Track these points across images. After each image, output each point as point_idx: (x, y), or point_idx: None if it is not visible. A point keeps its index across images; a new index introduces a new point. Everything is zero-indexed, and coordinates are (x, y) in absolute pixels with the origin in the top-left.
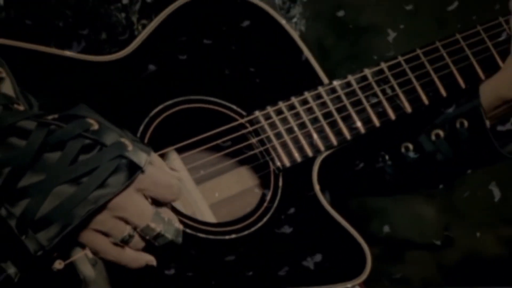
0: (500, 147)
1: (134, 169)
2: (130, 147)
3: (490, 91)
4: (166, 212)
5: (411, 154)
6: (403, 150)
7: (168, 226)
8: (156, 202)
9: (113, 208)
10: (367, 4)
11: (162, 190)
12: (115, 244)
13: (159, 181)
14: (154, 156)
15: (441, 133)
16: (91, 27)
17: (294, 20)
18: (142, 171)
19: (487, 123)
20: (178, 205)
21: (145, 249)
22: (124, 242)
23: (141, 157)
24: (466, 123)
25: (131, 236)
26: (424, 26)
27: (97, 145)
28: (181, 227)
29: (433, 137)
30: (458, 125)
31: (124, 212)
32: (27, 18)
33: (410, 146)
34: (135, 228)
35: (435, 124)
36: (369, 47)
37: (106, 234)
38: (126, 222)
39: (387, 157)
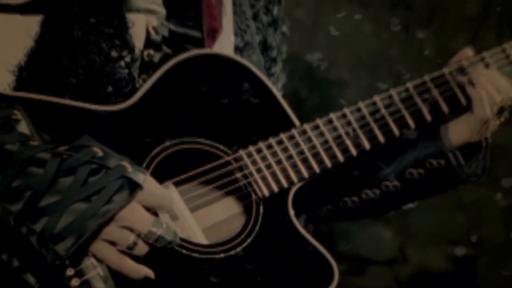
0: (463, 175)
1: (134, 186)
2: (130, 168)
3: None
4: (163, 219)
5: (375, 197)
6: (383, 188)
7: (167, 230)
8: (154, 212)
9: (119, 219)
10: (335, 62)
11: (158, 199)
12: (122, 251)
13: (155, 193)
14: (149, 176)
15: (414, 171)
16: (99, 82)
17: (275, 76)
18: (141, 188)
19: (453, 160)
20: (176, 229)
21: (146, 261)
22: (130, 249)
23: (139, 176)
24: (435, 162)
25: (135, 243)
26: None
27: (102, 169)
28: (177, 229)
29: (407, 175)
30: (428, 164)
31: (128, 222)
32: (45, 76)
33: (390, 184)
34: (138, 235)
35: (406, 165)
36: (336, 97)
37: (113, 243)
38: (131, 230)
39: (371, 191)
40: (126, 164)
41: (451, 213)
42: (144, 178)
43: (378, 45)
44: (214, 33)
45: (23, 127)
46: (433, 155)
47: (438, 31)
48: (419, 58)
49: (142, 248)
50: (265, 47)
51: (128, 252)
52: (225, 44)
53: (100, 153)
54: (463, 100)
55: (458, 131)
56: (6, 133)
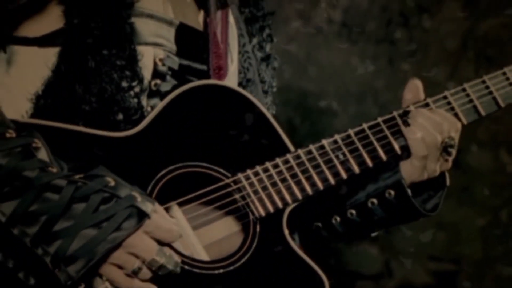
0: (420, 208)
1: (142, 216)
2: (139, 198)
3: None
4: (167, 249)
5: (356, 218)
6: (348, 215)
7: (169, 259)
8: (160, 242)
9: (126, 246)
10: (325, 92)
11: (164, 233)
12: (128, 275)
13: (161, 226)
14: (158, 206)
15: (375, 201)
16: (110, 110)
17: (266, 107)
18: (149, 217)
19: (409, 191)
20: (179, 246)
21: (152, 280)
22: (135, 273)
23: (147, 206)
24: (393, 193)
25: (140, 268)
26: (368, 110)
27: (113, 198)
28: (179, 260)
29: (370, 204)
30: (387, 194)
31: (134, 248)
32: (61, 104)
33: (354, 212)
34: (143, 262)
35: (370, 195)
36: (327, 125)
37: (120, 267)
38: (136, 256)
39: (338, 219)
40: (136, 194)
41: (433, 232)
42: (152, 208)
43: (365, 77)
44: (219, 70)
45: (43, 155)
46: (392, 186)
47: (420, 63)
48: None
49: (146, 274)
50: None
51: (133, 276)
52: (229, 81)
53: (112, 183)
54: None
55: (404, 168)
56: (26, 160)
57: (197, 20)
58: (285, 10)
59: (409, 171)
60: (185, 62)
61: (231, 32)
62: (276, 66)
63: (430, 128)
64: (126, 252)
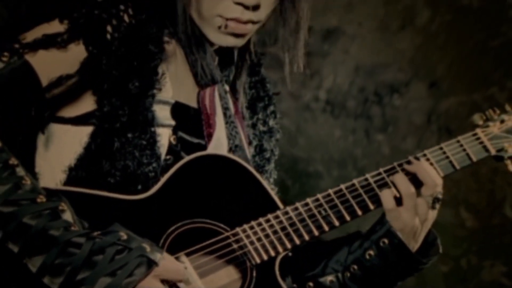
0: (418, 256)
1: (151, 264)
2: (148, 249)
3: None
4: (180, 285)
5: (358, 272)
6: (351, 270)
7: None
8: (169, 284)
9: None
10: (313, 159)
11: (172, 274)
12: None
13: (170, 269)
14: (166, 254)
15: (372, 252)
16: (132, 182)
17: (268, 172)
18: (157, 265)
19: (400, 236)
20: None
21: None
22: None
23: (156, 255)
24: (386, 241)
25: None
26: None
27: (126, 249)
28: None
29: (367, 256)
30: (381, 243)
31: None
32: (90, 176)
33: (356, 267)
34: None
35: (365, 248)
36: (314, 186)
37: None
38: None
39: (348, 274)
40: (145, 245)
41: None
42: (160, 257)
43: (345, 146)
44: (210, 137)
45: (67, 216)
46: (384, 235)
47: (392, 135)
48: (378, 156)
49: None
50: (261, 150)
51: None
52: (220, 147)
53: (124, 237)
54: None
55: (393, 218)
56: (53, 220)
57: (194, 97)
58: (278, 92)
59: (399, 220)
60: (188, 138)
61: (217, 105)
62: (278, 138)
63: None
64: None
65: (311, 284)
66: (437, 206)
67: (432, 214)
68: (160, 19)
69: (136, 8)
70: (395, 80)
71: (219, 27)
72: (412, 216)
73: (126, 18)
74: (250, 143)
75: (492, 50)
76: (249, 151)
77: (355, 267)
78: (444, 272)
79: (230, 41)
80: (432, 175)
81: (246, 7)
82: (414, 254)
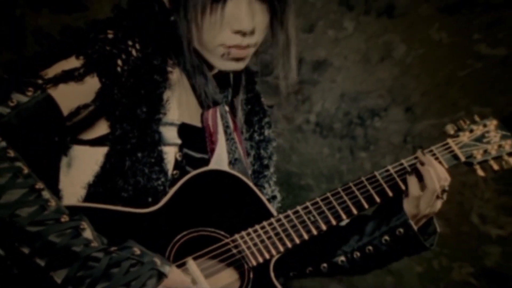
0: (424, 242)
1: (161, 275)
2: (159, 262)
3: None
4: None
5: (373, 253)
6: (367, 251)
7: None
8: None
9: None
10: (304, 173)
11: (179, 285)
12: None
13: (177, 280)
14: (174, 268)
15: (388, 238)
16: (143, 196)
17: (267, 177)
18: (166, 277)
19: (415, 228)
20: None
21: None
22: None
23: (165, 268)
24: (402, 230)
25: None
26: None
27: (139, 263)
28: None
29: (383, 241)
30: (397, 232)
31: None
32: (106, 192)
33: (371, 248)
34: None
35: (383, 232)
36: (305, 197)
37: None
38: None
39: (358, 254)
40: (156, 259)
41: (383, 276)
42: (169, 269)
43: (333, 163)
44: (212, 152)
45: (87, 233)
46: (401, 225)
47: (373, 153)
48: (361, 171)
49: None
50: (258, 158)
51: None
52: (221, 161)
53: (138, 252)
54: (402, 186)
55: (412, 205)
56: (75, 238)
57: (198, 117)
58: (274, 114)
59: (416, 206)
60: (192, 153)
61: (219, 124)
62: (275, 145)
63: (439, 169)
64: None
65: (325, 265)
66: (445, 196)
67: (439, 204)
68: (164, 52)
69: (143, 43)
70: (375, 105)
71: (222, 55)
72: (427, 206)
73: (134, 52)
74: (248, 154)
75: (460, 80)
76: (248, 162)
77: (370, 248)
78: (419, 272)
79: (233, 66)
80: (443, 170)
81: (244, 34)
82: (425, 244)
